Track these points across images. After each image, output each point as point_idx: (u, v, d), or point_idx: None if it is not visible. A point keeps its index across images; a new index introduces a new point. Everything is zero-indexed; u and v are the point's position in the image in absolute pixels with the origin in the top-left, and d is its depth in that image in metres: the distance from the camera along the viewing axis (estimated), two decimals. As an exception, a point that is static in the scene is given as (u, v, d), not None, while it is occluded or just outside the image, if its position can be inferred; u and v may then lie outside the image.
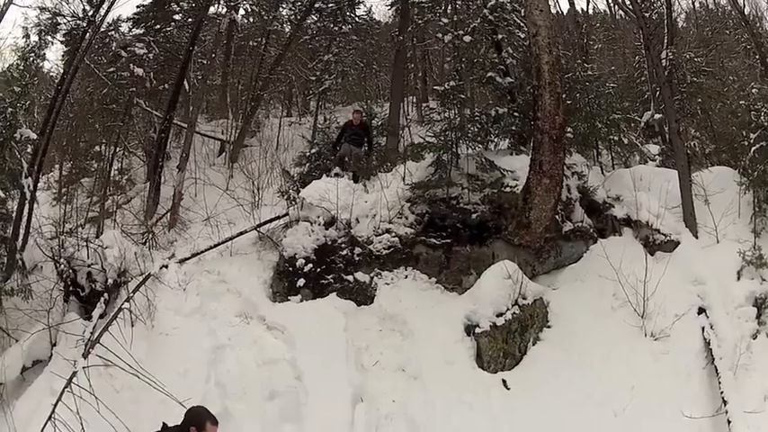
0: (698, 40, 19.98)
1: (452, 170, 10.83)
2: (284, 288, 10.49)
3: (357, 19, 19.91)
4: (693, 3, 23.13)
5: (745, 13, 17.61)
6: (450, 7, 15.98)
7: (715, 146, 14.97)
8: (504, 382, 9.19)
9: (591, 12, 23.44)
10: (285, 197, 12.27)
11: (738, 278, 10.01)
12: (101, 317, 9.30)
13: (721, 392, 8.41)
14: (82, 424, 7.28)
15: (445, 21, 13.33)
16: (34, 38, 16.09)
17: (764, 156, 10.85)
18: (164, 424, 4.76)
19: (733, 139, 13.03)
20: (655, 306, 9.57)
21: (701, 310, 9.62)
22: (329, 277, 10.43)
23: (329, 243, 10.62)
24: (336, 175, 11.63)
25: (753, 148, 11.03)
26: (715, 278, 9.98)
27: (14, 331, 9.10)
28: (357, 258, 10.55)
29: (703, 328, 9.36)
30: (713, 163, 13.69)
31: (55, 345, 8.91)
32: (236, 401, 8.58)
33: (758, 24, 20.17)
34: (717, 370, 8.71)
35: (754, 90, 12.09)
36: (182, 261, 10.92)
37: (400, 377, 9.19)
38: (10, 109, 10.19)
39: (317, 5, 19.07)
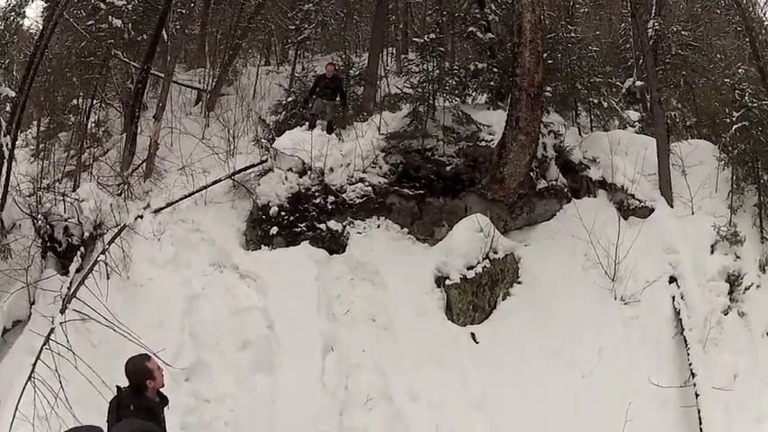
0: (687, 15, 19.87)
1: (428, 122, 10.78)
2: (257, 236, 10.47)
3: (339, -33, 19.61)
4: (685, -23, 22.91)
5: (738, -5, 17.48)
6: (434, -41, 15.85)
7: (696, 119, 15.05)
8: (472, 335, 9.27)
9: (578, -26, 23.23)
10: (260, 146, 12.18)
11: (712, 252, 10.12)
12: (77, 271, 9.22)
13: (690, 364, 8.55)
14: (61, 381, 7.28)
15: (429, -26, 13.21)
16: None
17: (746, 135, 10.92)
18: (117, 387, 4.65)
19: (715, 115, 13.12)
20: (626, 270, 9.68)
21: (673, 279, 9.73)
22: (302, 225, 10.39)
23: (303, 191, 10.56)
24: (310, 127, 11.56)
25: (735, 126, 11.09)
26: (688, 249, 10.08)
27: None
28: (330, 207, 10.51)
29: (674, 297, 9.48)
30: (693, 136, 13.83)
31: (33, 303, 8.82)
32: (210, 352, 8.64)
33: (750, 8, 20.09)
34: (686, 341, 8.86)
35: (740, 71, 12.14)
36: (156, 211, 10.84)
37: (371, 327, 9.25)
38: None
39: (299, -46, 18.74)
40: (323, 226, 10.39)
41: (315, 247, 10.16)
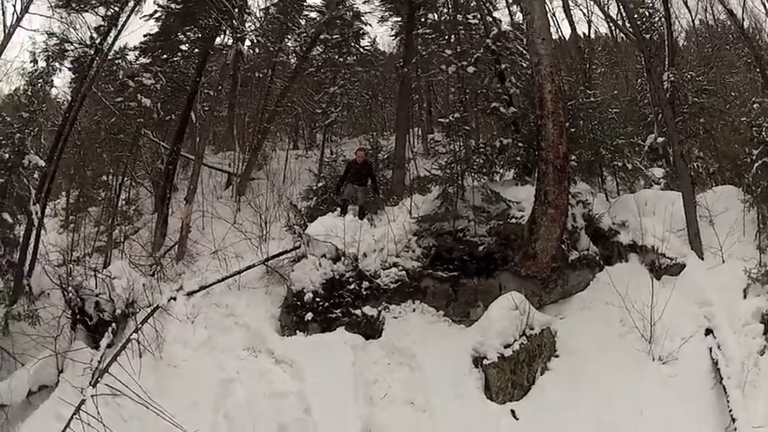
0: (699, 58, 20.06)
1: (458, 203, 10.90)
2: (292, 322, 10.55)
3: (362, 50, 20.04)
4: (693, 20, 23.18)
5: (744, 26, 17.67)
6: (453, 38, 16.16)
7: (719, 165, 15.06)
8: (512, 412, 9.17)
9: (592, 35, 23.64)
10: (292, 231, 12.33)
11: (745, 296, 10.02)
12: (108, 346, 9.46)
13: (730, 411, 8.40)
14: (92, 451, 7.40)
15: (449, 52, 13.48)
16: (42, 63, 16.25)
17: (767, 171, 10.92)
18: None
19: (736, 157, 13.15)
20: (662, 330, 9.57)
21: (709, 331, 9.62)
22: (337, 311, 10.48)
23: (337, 277, 10.68)
24: (342, 212, 11.73)
25: (756, 165, 11.14)
26: (721, 298, 10.00)
27: (21, 356, 9.21)
28: (365, 292, 10.60)
29: (711, 349, 9.35)
30: (717, 182, 13.81)
31: (62, 371, 9.05)
32: (246, 434, 8.58)
33: (758, 37, 20.21)
34: (725, 389, 8.69)
35: (755, 105, 12.16)
36: (190, 294, 11.05)
37: (409, 410, 9.19)
38: (18, 135, 10.39)
39: (322, 37, 19.22)
40: (358, 312, 10.47)
41: (351, 333, 10.24)
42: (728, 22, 20.86)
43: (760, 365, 9.00)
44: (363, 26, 19.91)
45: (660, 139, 15.78)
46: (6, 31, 12.86)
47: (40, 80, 14.70)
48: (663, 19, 17.71)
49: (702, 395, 8.90)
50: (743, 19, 17.49)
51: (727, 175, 14.13)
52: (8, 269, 10.41)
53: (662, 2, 17.32)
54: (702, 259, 10.96)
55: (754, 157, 11.23)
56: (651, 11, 18.88)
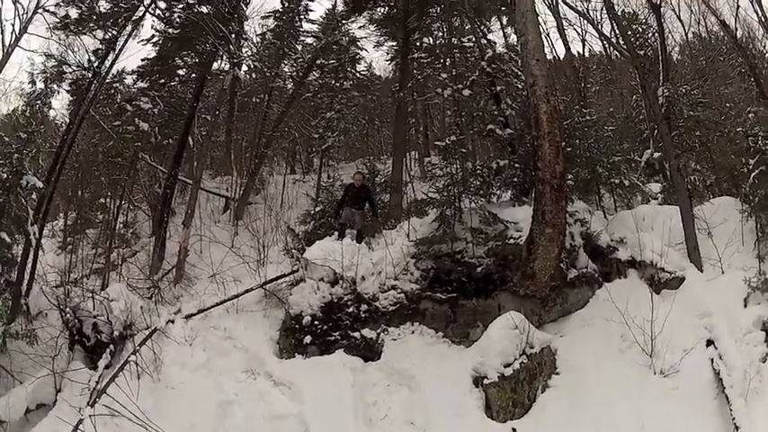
0: (693, 72, 20.15)
1: (456, 225, 10.93)
2: (291, 345, 10.55)
3: (358, 74, 20.26)
4: (686, 34, 23.38)
5: (738, 36, 17.76)
6: (448, 61, 16.29)
7: (716, 176, 15.10)
8: (513, 430, 9.14)
9: (587, 54, 23.80)
10: (290, 255, 12.35)
11: (745, 305, 10.03)
12: (106, 367, 9.51)
13: (733, 419, 8.40)
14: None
15: (444, 75, 13.58)
16: (40, 85, 16.40)
17: (764, 180, 10.98)
18: None
19: (733, 168, 13.22)
20: (663, 344, 9.55)
21: (710, 342, 9.62)
22: (336, 334, 10.48)
23: (335, 300, 10.69)
24: (340, 236, 11.76)
25: (752, 174, 11.18)
26: (722, 309, 10.01)
27: (19, 374, 9.30)
28: (363, 315, 10.61)
29: (712, 360, 9.35)
30: (715, 194, 13.81)
31: (59, 391, 9.11)
32: (245, 455, 8.58)
33: (751, 46, 20.33)
34: (728, 398, 8.69)
35: (750, 115, 12.22)
36: (188, 317, 11.07)
37: (409, 430, 9.16)
38: (16, 155, 10.48)
39: (318, 62, 19.43)
40: (357, 334, 10.46)
41: (349, 355, 10.23)
42: (721, 34, 21.01)
43: (762, 373, 9.04)
44: (359, 51, 20.29)
45: (656, 155, 15.83)
46: (5, 50, 13.00)
47: (39, 101, 14.87)
48: (656, 34, 17.86)
49: (705, 406, 8.90)
50: (735, 29, 17.58)
51: (724, 186, 14.19)
52: (6, 288, 10.49)
53: (655, 17, 17.46)
54: (702, 271, 10.98)
55: (750, 167, 11.31)
56: (644, 27, 19.07)
